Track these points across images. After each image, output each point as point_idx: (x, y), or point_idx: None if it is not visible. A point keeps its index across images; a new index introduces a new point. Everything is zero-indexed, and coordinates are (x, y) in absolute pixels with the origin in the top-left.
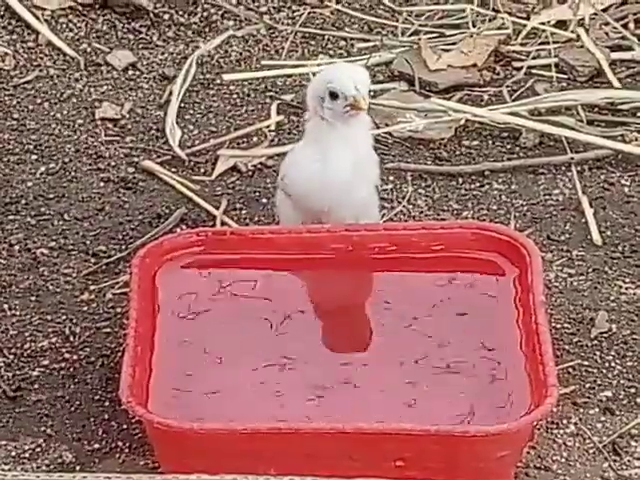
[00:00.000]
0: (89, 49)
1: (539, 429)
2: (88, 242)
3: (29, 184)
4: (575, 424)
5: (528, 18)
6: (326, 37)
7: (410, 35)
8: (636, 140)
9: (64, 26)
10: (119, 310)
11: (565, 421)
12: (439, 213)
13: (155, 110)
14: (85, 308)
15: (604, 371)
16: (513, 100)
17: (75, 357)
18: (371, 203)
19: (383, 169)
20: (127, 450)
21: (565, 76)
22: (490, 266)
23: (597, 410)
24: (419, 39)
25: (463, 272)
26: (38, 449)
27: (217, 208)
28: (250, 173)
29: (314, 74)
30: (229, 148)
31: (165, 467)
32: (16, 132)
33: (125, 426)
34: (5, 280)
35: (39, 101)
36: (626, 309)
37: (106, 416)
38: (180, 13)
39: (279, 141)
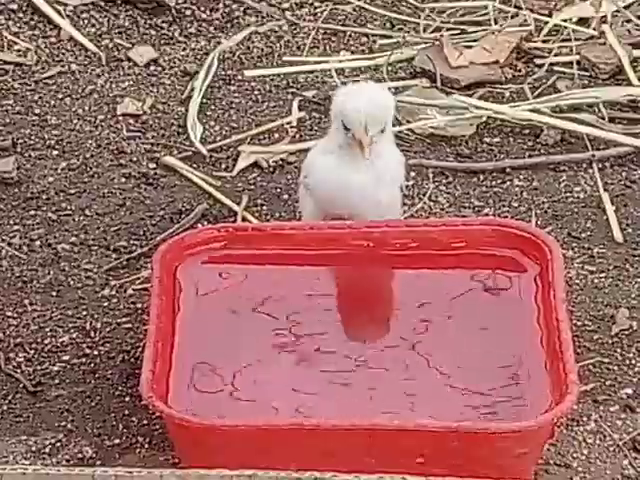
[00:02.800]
0: (111, 45)
1: (559, 426)
2: (109, 237)
3: (50, 179)
4: (595, 421)
5: (550, 15)
6: (348, 33)
7: (432, 32)
8: None
9: (86, 21)
10: (140, 306)
11: (585, 418)
12: (460, 210)
13: (177, 106)
14: (106, 303)
15: (625, 368)
16: (535, 97)
17: (96, 352)
18: (394, 203)
19: (407, 167)
20: (147, 445)
21: (587, 73)
22: (511, 263)
23: (617, 407)
24: (441, 36)
25: (484, 269)
26: (58, 444)
27: (238, 204)
28: (271, 169)
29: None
30: (250, 144)
31: (185, 463)
32: (37, 127)
33: (145, 422)
34: (26, 275)
35: (61, 96)
36: None
37: (126, 411)
38: (202, 9)
39: (300, 137)
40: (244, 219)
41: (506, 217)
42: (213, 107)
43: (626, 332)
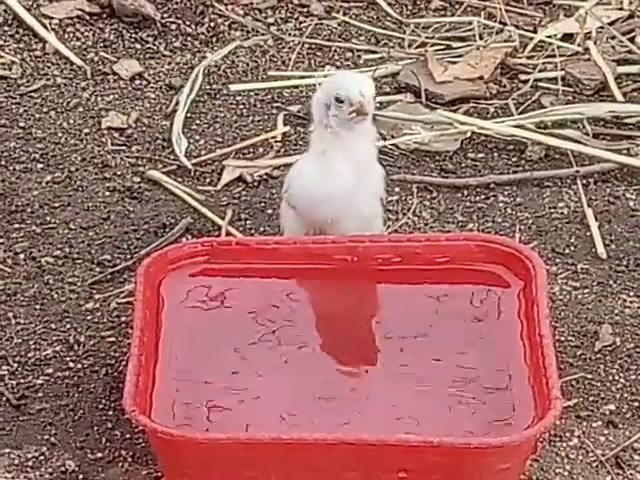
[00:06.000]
0: (96, 58)
1: (542, 442)
2: (93, 251)
3: (35, 193)
4: (578, 437)
5: (535, 31)
6: (333, 48)
7: (417, 47)
8: None
9: (71, 35)
10: (123, 319)
11: (568, 434)
12: (444, 225)
13: (161, 120)
14: (90, 317)
15: (608, 384)
16: (519, 113)
17: (79, 366)
18: (375, 216)
19: (388, 181)
20: (130, 459)
21: (571, 89)
22: (495, 278)
23: (600, 423)
24: (426, 51)
25: (467, 284)
26: (41, 457)
27: (222, 218)
28: (256, 183)
29: (320, 85)
30: (235, 158)
31: (168, 476)
32: (22, 141)
33: (128, 435)
34: (10, 288)
35: (46, 110)
36: (630, 322)
37: (110, 425)
38: (187, 23)
39: (285, 152)
40: (228, 233)
41: (490, 232)
42: (198, 121)
43: (609, 348)
